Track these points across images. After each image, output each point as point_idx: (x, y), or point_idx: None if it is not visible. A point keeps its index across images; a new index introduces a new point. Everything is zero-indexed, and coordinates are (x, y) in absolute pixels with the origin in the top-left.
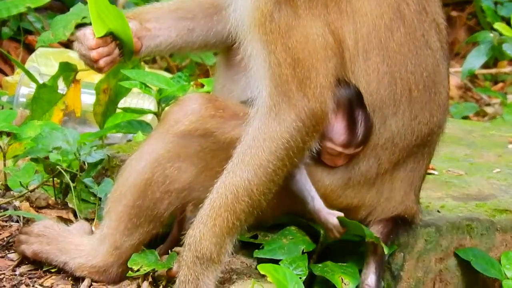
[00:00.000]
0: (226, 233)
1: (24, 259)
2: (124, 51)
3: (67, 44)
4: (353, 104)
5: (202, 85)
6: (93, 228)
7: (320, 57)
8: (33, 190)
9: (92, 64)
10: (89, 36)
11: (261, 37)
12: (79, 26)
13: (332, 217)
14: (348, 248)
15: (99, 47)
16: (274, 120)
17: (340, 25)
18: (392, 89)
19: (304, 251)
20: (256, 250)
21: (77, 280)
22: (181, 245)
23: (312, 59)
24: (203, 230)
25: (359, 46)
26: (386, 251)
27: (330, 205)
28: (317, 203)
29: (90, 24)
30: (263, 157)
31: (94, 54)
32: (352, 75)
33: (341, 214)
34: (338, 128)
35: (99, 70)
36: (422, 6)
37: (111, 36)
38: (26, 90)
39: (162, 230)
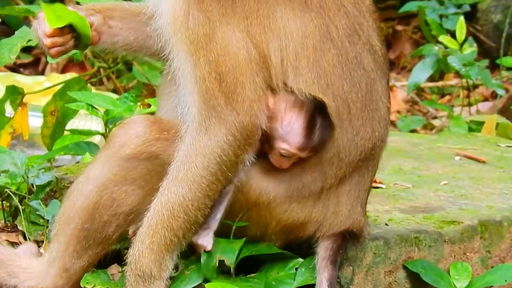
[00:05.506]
0: (164, 250)
1: None
2: (79, 43)
3: (14, 68)
4: (314, 108)
5: (149, 105)
6: (42, 250)
7: (244, 71)
8: None
9: (45, 48)
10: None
11: (183, 47)
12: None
13: (207, 244)
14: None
15: (54, 36)
16: (204, 135)
17: (264, 40)
18: (336, 104)
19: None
20: None
21: None
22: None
23: (236, 73)
24: (141, 248)
25: (285, 63)
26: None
27: (277, 220)
28: (211, 225)
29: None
30: (196, 173)
31: (47, 42)
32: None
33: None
34: (295, 130)
35: (51, 56)
36: (353, 29)
37: (69, 28)
38: None
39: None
